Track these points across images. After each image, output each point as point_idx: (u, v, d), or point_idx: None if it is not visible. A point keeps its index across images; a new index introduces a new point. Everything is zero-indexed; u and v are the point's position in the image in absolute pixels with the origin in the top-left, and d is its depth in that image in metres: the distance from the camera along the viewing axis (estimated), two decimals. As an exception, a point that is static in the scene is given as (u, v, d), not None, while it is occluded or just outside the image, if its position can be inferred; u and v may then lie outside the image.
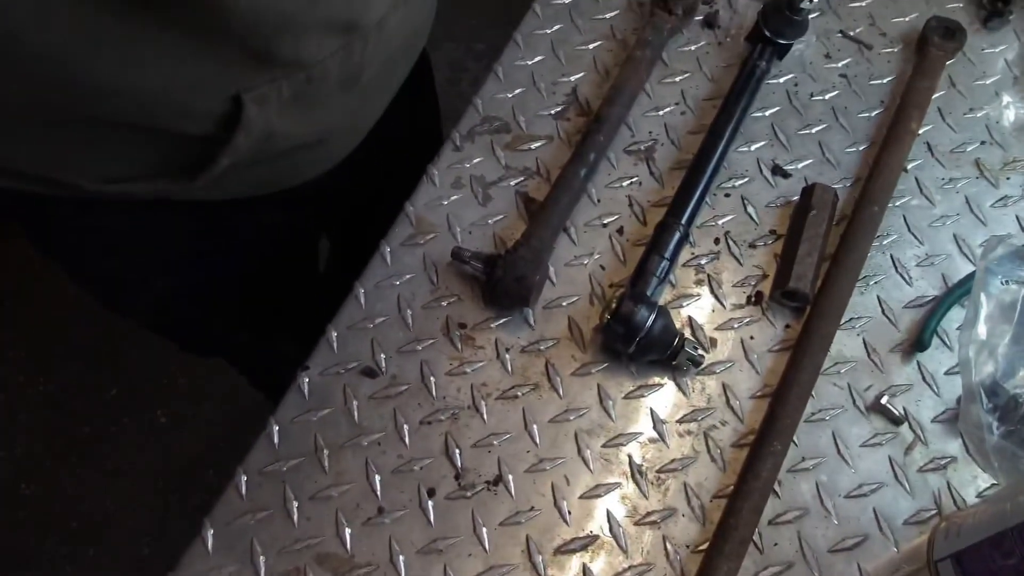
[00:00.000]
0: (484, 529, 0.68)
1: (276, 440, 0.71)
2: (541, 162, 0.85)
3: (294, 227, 0.91)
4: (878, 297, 0.80)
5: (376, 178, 0.90)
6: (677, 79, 0.92)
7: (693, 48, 0.94)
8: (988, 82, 0.94)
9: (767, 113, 0.90)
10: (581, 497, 0.70)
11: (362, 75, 0.69)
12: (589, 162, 0.82)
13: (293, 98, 0.64)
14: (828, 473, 0.72)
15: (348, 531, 0.67)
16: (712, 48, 0.95)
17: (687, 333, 0.77)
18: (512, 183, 0.84)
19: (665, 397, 0.74)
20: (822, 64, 0.94)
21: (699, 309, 0.79)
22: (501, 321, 0.77)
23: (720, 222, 0.83)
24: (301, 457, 0.70)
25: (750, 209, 0.84)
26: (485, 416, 0.72)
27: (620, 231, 0.82)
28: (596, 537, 0.68)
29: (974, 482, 0.72)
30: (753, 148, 0.88)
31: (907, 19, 0.98)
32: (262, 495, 0.68)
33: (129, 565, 1.72)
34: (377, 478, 0.69)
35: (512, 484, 0.70)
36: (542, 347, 0.76)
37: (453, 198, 0.83)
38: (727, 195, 0.85)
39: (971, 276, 0.80)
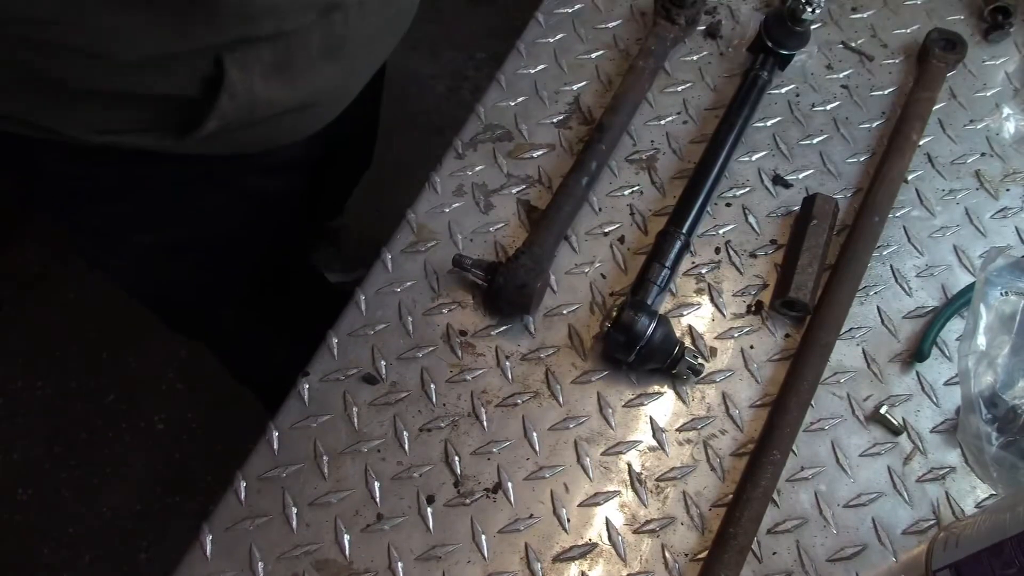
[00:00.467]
0: (483, 536, 0.68)
1: (276, 446, 0.71)
2: (543, 170, 0.85)
3: (277, 190, 0.93)
4: (878, 307, 0.80)
5: (356, 147, 0.92)
6: (679, 88, 0.92)
7: (695, 58, 0.95)
8: (988, 94, 0.94)
9: (768, 123, 0.90)
10: (580, 505, 0.70)
11: (344, 46, 0.72)
12: (591, 171, 0.82)
13: (275, 65, 0.66)
14: (827, 482, 0.72)
15: (347, 537, 0.67)
16: (714, 58, 0.95)
17: (687, 342, 0.77)
18: (514, 191, 0.84)
19: (665, 406, 0.74)
20: (823, 75, 0.95)
21: (699, 318, 0.79)
22: (502, 329, 0.77)
23: (721, 231, 0.83)
24: (300, 463, 0.70)
25: (751, 219, 0.84)
26: (485, 423, 0.72)
27: (621, 240, 0.82)
28: (595, 545, 0.68)
29: (973, 492, 0.72)
30: (754, 158, 0.88)
31: (908, 31, 0.98)
32: (261, 501, 0.68)
33: (127, 571, 1.71)
34: (376, 485, 0.69)
35: (511, 492, 0.70)
36: (542, 355, 0.76)
37: (455, 206, 0.83)
38: (728, 204, 0.85)
39: (971, 287, 0.80)
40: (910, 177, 0.87)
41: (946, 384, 0.77)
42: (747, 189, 0.86)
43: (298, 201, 1.00)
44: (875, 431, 0.74)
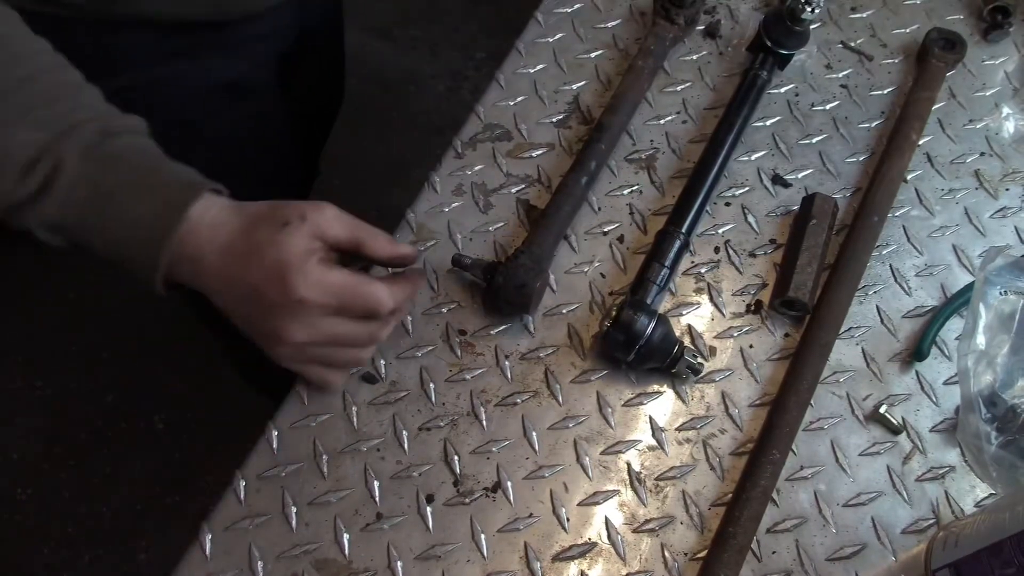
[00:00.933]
0: (483, 536, 0.68)
1: (275, 445, 0.71)
2: (542, 170, 0.85)
3: (245, 76, 0.94)
4: (877, 307, 0.80)
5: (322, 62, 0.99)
6: (678, 88, 0.92)
7: (695, 58, 0.95)
8: (988, 94, 0.95)
9: (768, 123, 0.90)
10: (579, 504, 0.70)
11: None
12: (590, 170, 0.82)
13: None
14: (826, 482, 0.72)
15: (346, 537, 0.67)
16: (713, 58, 0.95)
17: (687, 341, 0.77)
18: (513, 190, 0.84)
19: (664, 405, 0.74)
20: (823, 74, 0.95)
21: (699, 317, 0.79)
22: (501, 328, 0.77)
23: (720, 231, 0.83)
24: (300, 463, 0.70)
25: (750, 218, 0.84)
26: (484, 423, 0.72)
27: (620, 239, 0.82)
28: (594, 544, 0.68)
29: (972, 492, 0.72)
30: (754, 157, 0.88)
31: (908, 30, 0.98)
32: (261, 500, 0.68)
33: (127, 570, 1.72)
34: (376, 484, 0.69)
35: (511, 491, 0.70)
36: (542, 354, 0.76)
37: (454, 205, 0.83)
38: (727, 204, 0.85)
39: (970, 286, 0.80)
40: (909, 177, 0.87)
41: (945, 383, 0.77)
42: (746, 189, 0.86)
43: (273, 98, 1.02)
44: (874, 430, 0.74)
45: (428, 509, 0.69)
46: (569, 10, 0.97)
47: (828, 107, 0.92)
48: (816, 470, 0.72)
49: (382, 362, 0.74)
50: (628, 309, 0.71)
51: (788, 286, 0.77)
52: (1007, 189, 0.88)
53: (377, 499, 0.69)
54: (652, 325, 0.71)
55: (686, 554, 0.68)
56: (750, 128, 0.89)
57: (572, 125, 0.89)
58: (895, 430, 0.74)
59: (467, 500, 0.69)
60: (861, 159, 0.89)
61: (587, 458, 0.71)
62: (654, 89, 0.91)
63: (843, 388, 0.76)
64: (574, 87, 0.92)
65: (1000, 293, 0.78)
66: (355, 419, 0.72)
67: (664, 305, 0.79)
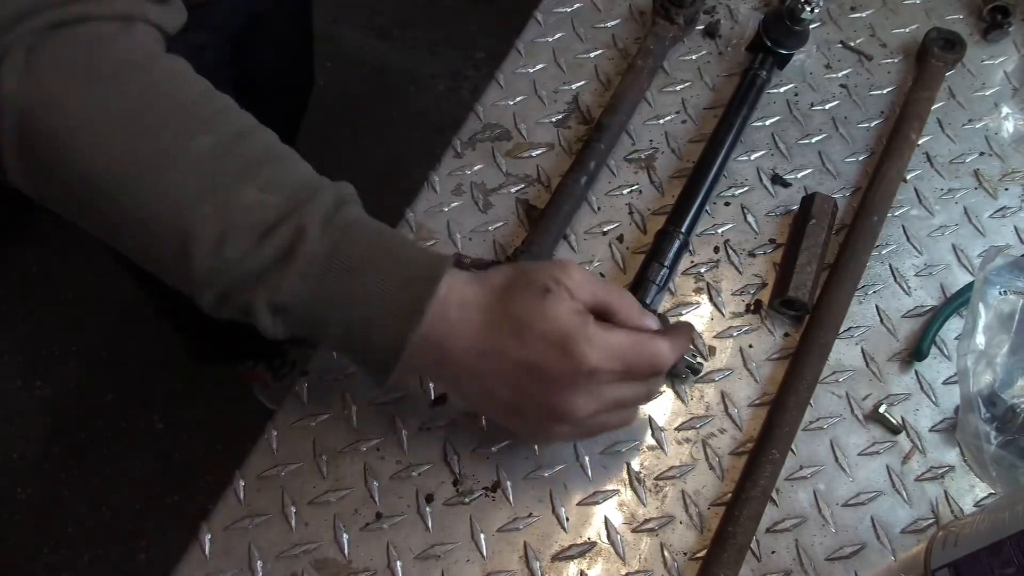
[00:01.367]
0: (482, 535, 0.68)
1: (274, 445, 0.71)
2: (542, 169, 0.85)
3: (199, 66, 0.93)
4: (877, 306, 0.80)
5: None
6: (678, 88, 0.92)
7: (694, 57, 0.95)
8: (987, 93, 0.95)
9: (767, 122, 0.90)
10: (579, 504, 0.70)
11: None
12: (590, 170, 0.82)
13: None
14: (826, 481, 0.72)
15: (346, 536, 0.67)
16: (713, 57, 0.95)
17: (686, 341, 0.77)
18: (513, 190, 0.84)
19: (663, 404, 0.74)
20: (822, 74, 0.95)
21: (698, 317, 0.79)
22: (500, 328, 0.76)
23: (720, 231, 0.83)
24: (299, 462, 0.70)
25: (750, 218, 0.84)
26: (484, 422, 0.72)
27: (620, 239, 0.82)
28: (594, 544, 0.68)
29: (972, 491, 0.72)
30: (753, 157, 0.88)
31: (907, 30, 0.98)
32: (260, 500, 0.68)
33: (126, 570, 1.72)
34: (375, 484, 0.69)
35: (510, 490, 0.70)
36: (541, 354, 0.76)
37: (453, 205, 0.83)
38: (727, 204, 0.85)
39: (970, 286, 0.80)
40: (909, 176, 0.88)
41: (945, 383, 0.77)
42: (746, 188, 0.86)
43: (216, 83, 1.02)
44: (874, 430, 0.74)
45: (428, 509, 0.69)
46: (568, 10, 0.97)
47: (827, 107, 0.92)
48: (815, 470, 0.72)
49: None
50: (628, 309, 0.71)
51: (788, 286, 0.77)
52: (1007, 189, 0.88)
53: (376, 499, 0.69)
54: (651, 325, 0.71)
55: (685, 554, 0.68)
56: (749, 128, 0.89)
57: (571, 125, 0.89)
58: (895, 430, 0.74)
59: (467, 500, 0.69)
60: (860, 159, 0.89)
61: (586, 458, 0.71)
62: (653, 89, 0.91)
63: (842, 388, 0.76)
64: (573, 87, 0.92)
65: (1000, 293, 0.78)
66: (354, 419, 0.72)
67: (664, 305, 0.79)
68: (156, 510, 1.77)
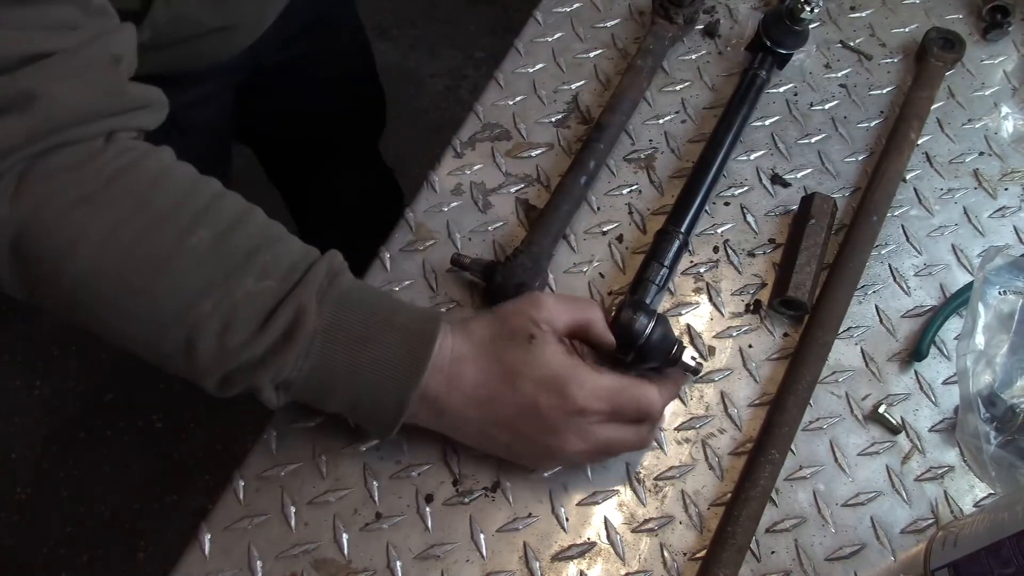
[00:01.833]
0: (482, 535, 0.68)
1: (274, 445, 0.71)
2: (541, 169, 0.85)
3: (200, 117, 0.94)
4: (876, 306, 0.80)
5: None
6: (677, 88, 0.92)
7: (694, 57, 0.95)
8: (987, 93, 0.95)
9: (767, 122, 0.90)
10: (579, 504, 0.70)
11: None
12: (589, 170, 0.82)
13: None
14: (825, 481, 0.72)
15: (345, 536, 0.67)
16: (712, 57, 0.95)
17: (686, 341, 0.77)
18: (512, 190, 0.84)
19: (663, 405, 0.74)
20: (822, 74, 0.95)
21: (698, 317, 0.79)
22: (500, 327, 0.76)
23: (719, 230, 0.83)
24: (299, 462, 0.70)
25: (749, 218, 0.84)
26: (483, 422, 0.72)
27: (620, 239, 0.82)
28: (593, 544, 0.68)
29: (971, 491, 0.72)
30: (753, 157, 0.88)
31: (907, 30, 0.98)
32: (260, 500, 0.68)
33: (126, 570, 1.72)
34: (375, 484, 0.69)
35: (510, 491, 0.70)
36: (541, 354, 0.75)
37: (453, 204, 0.83)
38: (727, 204, 0.85)
39: (969, 286, 0.80)
40: (908, 176, 0.87)
41: (944, 383, 0.77)
42: (745, 188, 0.86)
43: (212, 137, 1.02)
44: (873, 430, 0.74)
45: (427, 509, 0.69)
46: (568, 9, 0.97)
47: (827, 106, 0.92)
48: (815, 470, 0.72)
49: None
50: (627, 309, 0.71)
51: (787, 286, 0.77)
52: (1006, 189, 0.88)
53: (376, 499, 0.69)
54: (651, 325, 0.71)
55: (685, 554, 0.68)
56: (749, 128, 0.89)
57: (571, 125, 0.89)
58: (894, 430, 0.74)
59: (466, 500, 0.69)
60: (860, 159, 0.89)
61: (586, 458, 0.71)
62: (653, 89, 0.91)
63: (842, 388, 0.76)
64: (573, 87, 0.92)
65: (999, 293, 0.78)
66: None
67: (663, 305, 0.79)
68: (156, 510, 1.76)
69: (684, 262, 0.81)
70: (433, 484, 0.70)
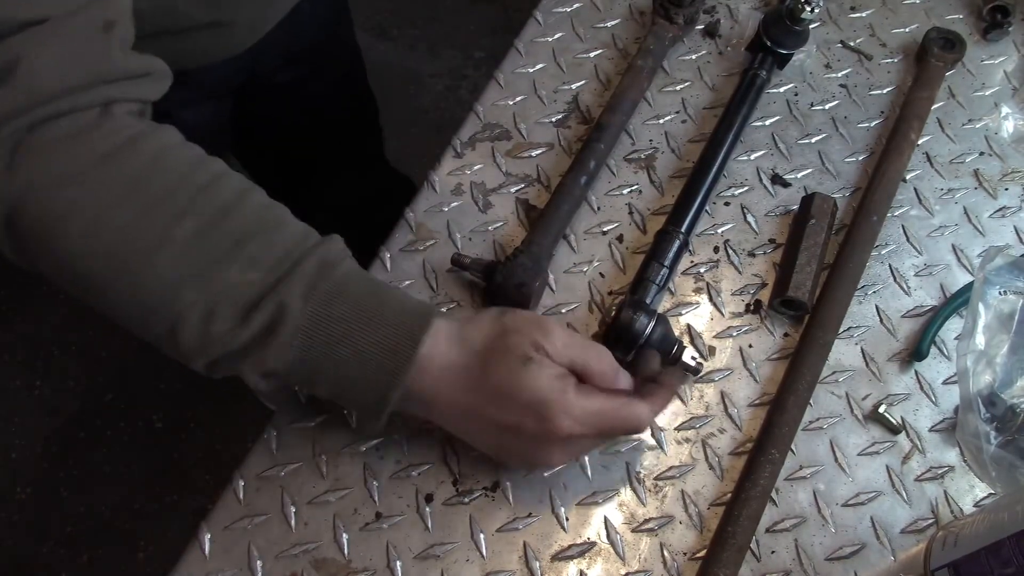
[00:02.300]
0: (482, 535, 0.68)
1: (274, 445, 0.71)
2: (542, 169, 0.85)
3: (192, 119, 0.92)
4: (876, 306, 0.80)
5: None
6: (678, 88, 0.92)
7: (694, 57, 0.95)
8: (987, 93, 0.95)
9: (767, 122, 0.90)
10: (579, 504, 0.70)
11: None
12: (589, 170, 0.82)
13: None
14: (825, 481, 0.72)
15: (345, 536, 0.67)
16: (713, 57, 0.95)
17: (686, 341, 0.77)
18: (512, 190, 0.84)
19: (663, 405, 0.74)
20: (822, 74, 0.95)
21: (698, 317, 0.79)
22: (500, 327, 0.76)
23: (720, 231, 0.83)
24: (299, 462, 0.70)
25: (750, 218, 0.84)
26: (483, 422, 0.72)
27: (620, 239, 0.82)
28: (593, 544, 0.68)
29: (971, 491, 0.72)
30: (753, 157, 0.88)
31: (907, 30, 0.98)
32: (260, 500, 0.68)
33: (125, 570, 1.72)
34: (375, 483, 0.69)
35: (510, 490, 0.70)
36: (541, 354, 0.75)
37: (453, 204, 0.83)
38: (727, 204, 0.85)
39: (969, 286, 0.80)
40: (909, 176, 0.87)
41: (944, 383, 0.77)
42: (746, 188, 0.86)
43: (206, 143, 1.02)
44: (874, 430, 0.74)
45: (427, 508, 0.68)
46: (568, 9, 0.97)
47: (827, 107, 0.92)
48: (815, 470, 0.72)
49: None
50: (627, 309, 0.71)
51: (787, 286, 0.77)
52: (1006, 189, 0.88)
53: (376, 499, 0.69)
54: (651, 325, 0.71)
55: (685, 554, 0.68)
56: (749, 128, 0.89)
57: (571, 125, 0.89)
58: (894, 430, 0.74)
59: (466, 500, 0.69)
60: (860, 159, 0.89)
61: (586, 457, 0.71)
62: (653, 89, 0.91)
63: (842, 388, 0.76)
64: (573, 87, 0.92)
65: (999, 293, 0.78)
66: (354, 419, 0.72)
67: (663, 305, 0.79)
68: (156, 510, 1.77)
69: (684, 262, 0.81)
70: (433, 484, 0.70)
